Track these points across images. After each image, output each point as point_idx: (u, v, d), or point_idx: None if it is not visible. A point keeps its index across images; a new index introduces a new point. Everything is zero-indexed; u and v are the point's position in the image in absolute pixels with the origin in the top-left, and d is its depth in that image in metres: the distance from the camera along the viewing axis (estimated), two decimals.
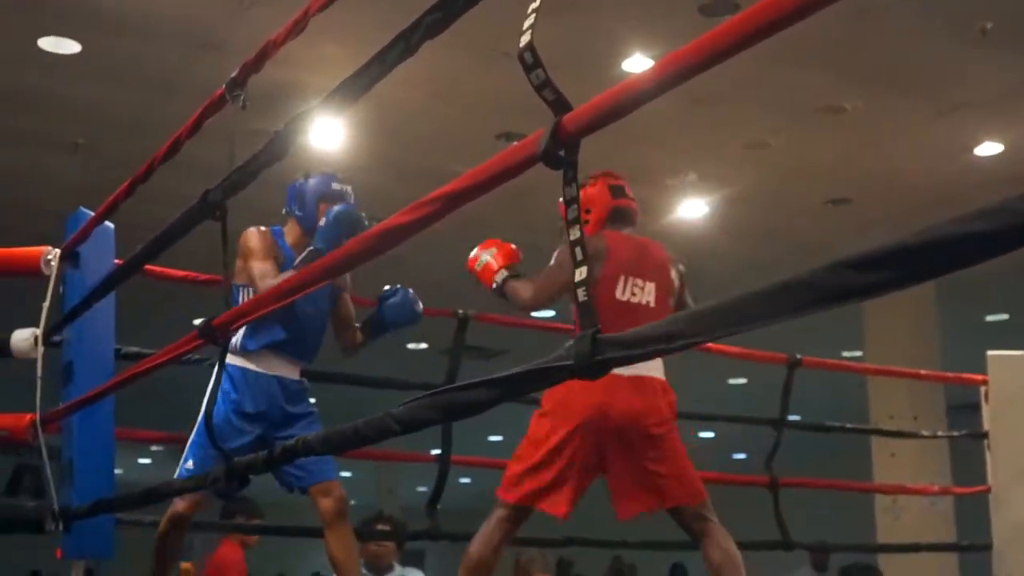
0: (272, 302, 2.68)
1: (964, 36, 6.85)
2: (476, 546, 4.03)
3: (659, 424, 4.03)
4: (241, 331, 4.22)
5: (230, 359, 4.23)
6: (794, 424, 6.30)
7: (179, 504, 4.28)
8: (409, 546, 6.39)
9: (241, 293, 4.30)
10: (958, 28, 6.82)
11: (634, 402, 3.97)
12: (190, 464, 4.22)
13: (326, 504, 4.25)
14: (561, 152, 1.64)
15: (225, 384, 4.25)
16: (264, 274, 4.16)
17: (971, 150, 8.51)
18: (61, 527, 3.96)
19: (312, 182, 4.51)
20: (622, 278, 4.08)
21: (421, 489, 16.90)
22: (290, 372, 4.38)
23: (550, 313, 11.29)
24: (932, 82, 7.54)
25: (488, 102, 7.59)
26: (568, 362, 1.57)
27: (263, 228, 4.38)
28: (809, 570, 10.30)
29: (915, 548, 8.15)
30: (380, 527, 5.92)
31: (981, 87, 7.58)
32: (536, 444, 4.02)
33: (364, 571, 5.83)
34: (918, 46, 7.08)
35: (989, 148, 8.47)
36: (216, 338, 2.84)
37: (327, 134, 7.85)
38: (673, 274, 4.25)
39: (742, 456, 20.03)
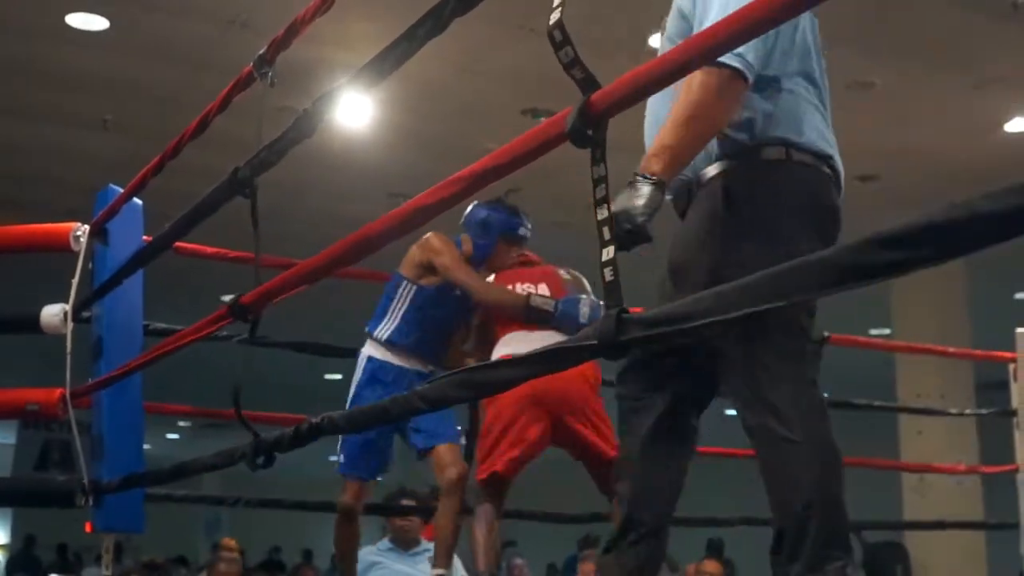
0: (298, 283, 2.68)
1: (995, 11, 6.79)
2: (477, 531, 4.21)
3: (595, 387, 4.27)
4: (392, 325, 4.45)
5: (373, 351, 4.48)
6: None
7: (344, 498, 4.50)
8: None
9: (404, 285, 4.47)
10: (989, 2, 6.75)
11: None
12: (341, 458, 4.47)
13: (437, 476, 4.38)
14: (589, 131, 1.63)
15: (368, 375, 4.46)
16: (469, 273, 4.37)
17: (1002, 126, 8.45)
18: (91, 501, 3.99)
19: (500, 217, 4.56)
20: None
21: None
22: (424, 368, 4.50)
23: None
24: (962, 57, 7.47)
25: (514, 78, 7.57)
26: (592, 342, 1.57)
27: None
28: None
29: (941, 526, 8.13)
30: (405, 502, 5.93)
31: (1012, 62, 7.51)
32: (495, 419, 4.21)
33: (391, 545, 5.85)
34: (948, 21, 7.02)
35: (1020, 124, 8.41)
36: (245, 315, 2.85)
37: (354, 110, 7.85)
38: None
39: None
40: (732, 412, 2.64)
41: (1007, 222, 1.08)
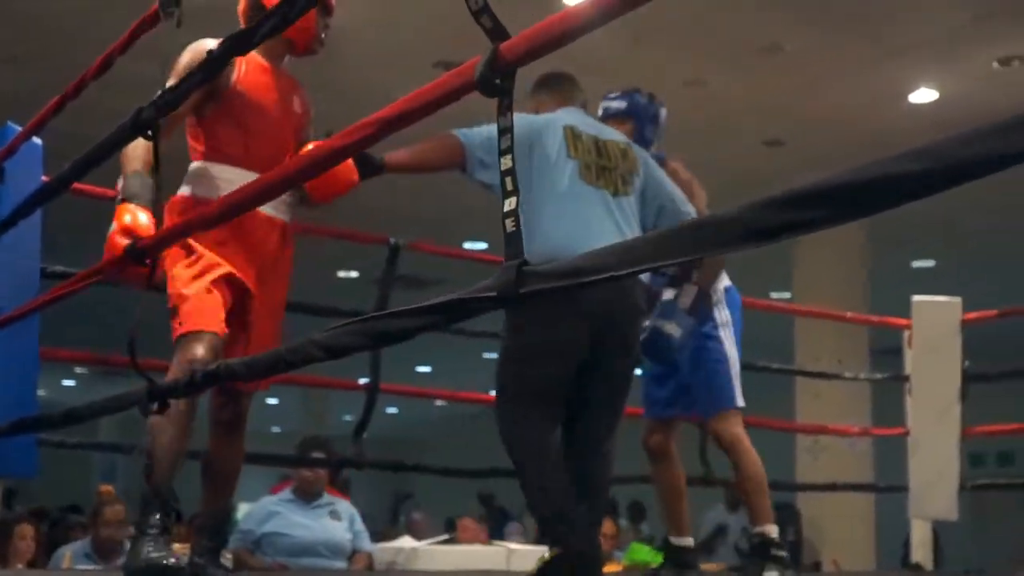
0: (198, 227, 2.64)
1: None
2: None
3: None
4: None
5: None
6: None
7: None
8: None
9: None
10: None
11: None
12: None
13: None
14: (497, 80, 1.63)
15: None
16: None
17: (907, 96, 8.57)
18: None
19: (664, 113, 4.47)
20: None
21: (347, 418, 16.87)
22: None
23: (484, 245, 11.25)
24: (871, 26, 7.56)
25: (427, 29, 7.51)
26: (492, 293, 1.57)
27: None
28: (723, 509, 10.55)
29: (833, 487, 8.28)
30: (315, 454, 5.84)
31: (919, 32, 7.62)
32: None
33: (292, 496, 5.82)
34: None
35: (924, 95, 8.53)
36: (142, 259, 2.81)
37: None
38: None
39: None
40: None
41: (907, 185, 1.09)
